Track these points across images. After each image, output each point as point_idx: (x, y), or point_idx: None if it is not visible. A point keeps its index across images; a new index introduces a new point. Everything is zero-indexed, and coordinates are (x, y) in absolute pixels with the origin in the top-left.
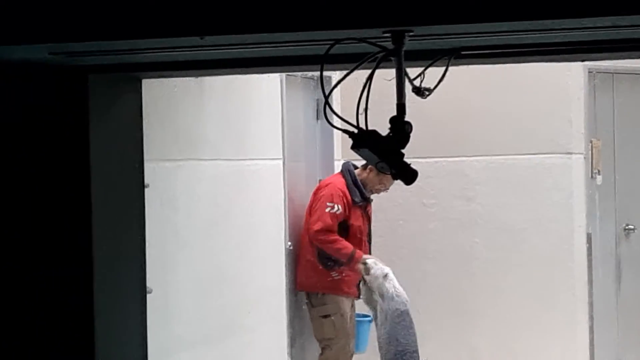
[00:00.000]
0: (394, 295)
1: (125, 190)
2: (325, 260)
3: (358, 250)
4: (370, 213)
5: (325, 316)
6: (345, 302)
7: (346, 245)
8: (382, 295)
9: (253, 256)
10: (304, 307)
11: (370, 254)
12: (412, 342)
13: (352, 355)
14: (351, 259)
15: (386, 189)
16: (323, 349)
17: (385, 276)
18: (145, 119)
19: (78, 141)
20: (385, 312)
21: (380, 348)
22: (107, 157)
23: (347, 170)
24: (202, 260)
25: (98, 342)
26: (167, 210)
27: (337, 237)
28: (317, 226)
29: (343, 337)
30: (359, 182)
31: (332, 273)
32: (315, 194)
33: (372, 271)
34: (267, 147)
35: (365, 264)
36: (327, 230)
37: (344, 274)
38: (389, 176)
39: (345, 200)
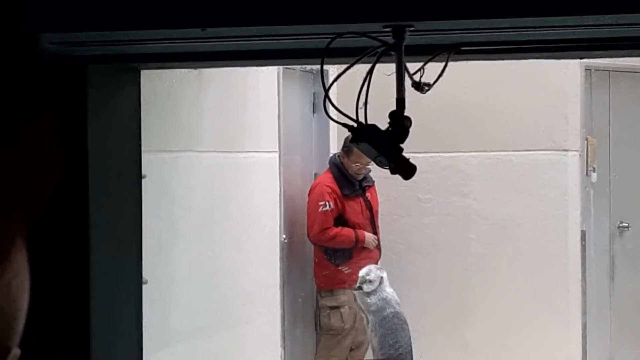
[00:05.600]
0: (379, 306)
1: (123, 180)
2: (333, 258)
3: (358, 231)
4: (374, 201)
5: (333, 307)
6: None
7: (347, 234)
8: (368, 309)
9: (248, 248)
10: (299, 300)
11: (378, 239)
12: (404, 343)
13: (361, 347)
14: (357, 242)
15: (364, 164)
16: (326, 337)
17: (379, 284)
18: (144, 110)
19: (76, 131)
20: (373, 322)
21: (373, 352)
22: (105, 148)
23: (333, 164)
24: (197, 252)
25: (93, 333)
26: (163, 201)
27: (335, 231)
28: (315, 229)
29: (348, 330)
30: (346, 173)
31: (342, 268)
32: (308, 197)
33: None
34: (263, 139)
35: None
36: (324, 229)
37: (354, 267)
38: (357, 151)
39: (335, 196)
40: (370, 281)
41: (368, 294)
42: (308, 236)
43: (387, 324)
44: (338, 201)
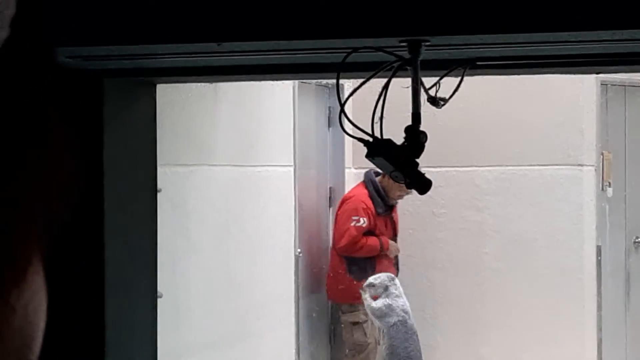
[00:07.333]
0: (383, 312)
1: (138, 194)
2: (355, 272)
3: (382, 237)
4: (396, 218)
5: (355, 323)
6: None
7: (373, 243)
8: (373, 313)
9: (263, 262)
10: (314, 314)
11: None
12: (413, 355)
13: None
14: (382, 249)
15: (408, 192)
16: (353, 354)
17: (384, 291)
18: (159, 123)
19: (92, 146)
20: (379, 329)
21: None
22: (120, 161)
23: (370, 181)
24: (212, 266)
25: (108, 346)
26: (178, 215)
27: (362, 242)
28: (343, 241)
29: (373, 343)
30: (382, 192)
31: (362, 283)
32: (339, 207)
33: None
34: (278, 153)
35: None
36: (353, 243)
37: None
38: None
39: (369, 212)
40: (373, 285)
41: (373, 298)
42: (334, 247)
43: (395, 333)
44: (371, 218)
